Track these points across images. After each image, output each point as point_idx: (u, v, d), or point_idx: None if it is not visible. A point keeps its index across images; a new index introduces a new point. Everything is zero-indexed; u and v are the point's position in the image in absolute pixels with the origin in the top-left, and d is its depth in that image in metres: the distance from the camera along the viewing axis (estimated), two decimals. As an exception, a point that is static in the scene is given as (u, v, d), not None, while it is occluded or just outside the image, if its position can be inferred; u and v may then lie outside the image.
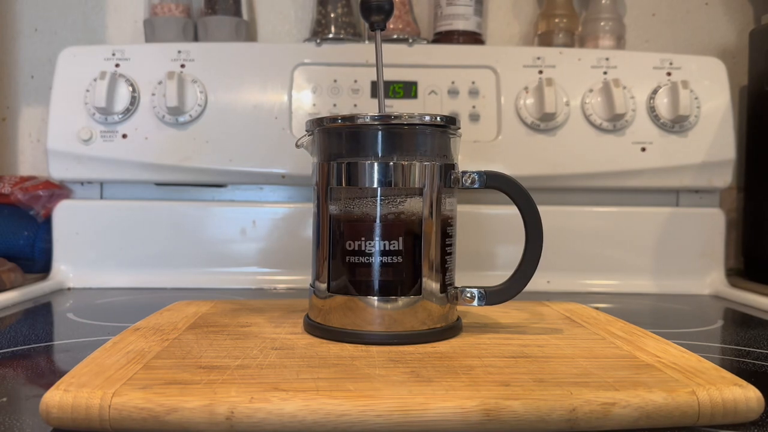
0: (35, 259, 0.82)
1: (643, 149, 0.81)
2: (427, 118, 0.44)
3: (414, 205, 0.44)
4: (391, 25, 0.84)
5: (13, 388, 0.40)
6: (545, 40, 0.90)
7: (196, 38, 0.88)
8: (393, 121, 0.43)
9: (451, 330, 0.45)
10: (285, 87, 0.82)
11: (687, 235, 0.83)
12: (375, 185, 0.43)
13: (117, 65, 0.81)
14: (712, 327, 0.63)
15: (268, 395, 0.32)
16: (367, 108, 0.80)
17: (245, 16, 0.89)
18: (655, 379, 0.36)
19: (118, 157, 0.80)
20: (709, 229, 0.83)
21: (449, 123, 0.45)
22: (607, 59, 0.83)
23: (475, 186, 0.44)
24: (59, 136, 0.80)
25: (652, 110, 0.81)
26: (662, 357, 0.40)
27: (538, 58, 0.83)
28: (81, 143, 0.80)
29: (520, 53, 0.84)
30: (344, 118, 0.44)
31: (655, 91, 0.81)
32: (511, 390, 0.33)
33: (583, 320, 0.51)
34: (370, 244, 0.43)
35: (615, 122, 0.81)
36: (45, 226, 0.83)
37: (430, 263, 0.44)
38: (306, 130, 0.47)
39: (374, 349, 0.41)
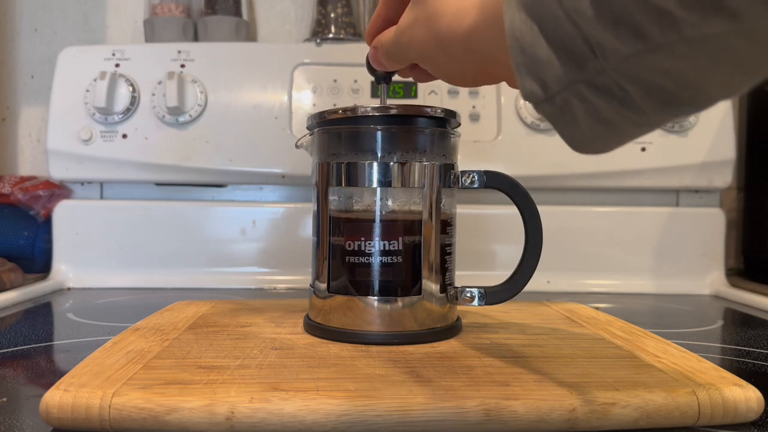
0: (35, 259, 0.82)
1: (643, 149, 0.81)
2: (428, 110, 0.44)
3: (413, 205, 0.44)
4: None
5: (13, 388, 0.40)
6: (545, 40, 0.90)
7: (196, 38, 0.88)
8: (393, 112, 0.43)
9: (451, 330, 0.45)
10: (285, 87, 0.82)
11: (687, 235, 0.83)
12: (374, 185, 0.43)
13: (117, 65, 0.81)
14: (712, 327, 0.63)
15: (268, 395, 0.32)
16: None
17: (245, 16, 0.89)
18: (655, 379, 0.36)
19: (118, 157, 0.80)
20: (709, 229, 0.83)
21: (449, 116, 0.44)
22: (607, 59, 0.83)
23: (475, 186, 0.44)
24: (59, 136, 0.80)
25: (652, 110, 0.81)
26: (662, 357, 0.40)
27: (538, 58, 0.83)
28: (81, 143, 0.80)
29: (520, 53, 0.83)
30: (345, 109, 0.44)
31: (655, 91, 0.81)
32: (511, 390, 0.33)
33: (583, 320, 0.51)
34: (369, 244, 0.43)
35: (615, 122, 0.80)
36: (45, 226, 0.83)
37: (430, 263, 0.44)
38: (307, 127, 0.47)
39: (374, 349, 0.41)
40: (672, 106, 0.24)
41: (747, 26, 0.20)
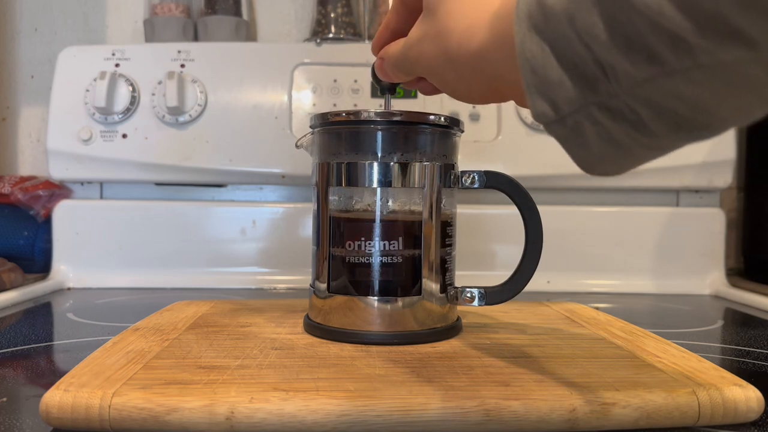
0: (35, 259, 0.82)
1: (643, 149, 0.81)
2: (431, 117, 0.43)
3: (414, 205, 0.44)
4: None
5: (13, 388, 0.40)
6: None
7: (196, 38, 0.88)
8: (397, 118, 0.43)
9: (451, 330, 0.45)
10: (285, 87, 0.82)
11: (687, 235, 0.83)
12: (375, 185, 0.43)
13: (117, 65, 0.81)
14: (712, 327, 0.63)
15: (268, 395, 0.32)
16: (367, 108, 0.80)
17: (245, 16, 0.89)
18: (655, 379, 0.36)
19: (118, 157, 0.80)
20: (709, 229, 0.83)
21: (453, 124, 0.44)
22: (607, 59, 0.83)
23: (475, 186, 0.44)
24: (59, 136, 0.80)
25: (652, 110, 0.81)
26: (662, 357, 0.40)
27: (538, 58, 0.83)
28: (81, 143, 0.80)
29: (520, 53, 0.83)
30: (348, 112, 0.44)
31: (655, 91, 0.81)
32: (511, 390, 0.33)
33: (583, 320, 0.51)
34: (369, 244, 0.43)
35: (615, 122, 0.80)
36: (45, 226, 0.83)
37: (430, 263, 0.44)
38: (310, 126, 0.47)
39: (374, 349, 0.41)
40: (685, 130, 0.24)
41: (764, 54, 0.20)
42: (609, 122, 0.25)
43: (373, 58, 0.43)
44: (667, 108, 0.23)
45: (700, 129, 0.24)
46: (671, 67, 0.21)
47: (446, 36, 0.33)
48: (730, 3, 0.19)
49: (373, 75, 0.44)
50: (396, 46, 0.39)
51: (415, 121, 0.43)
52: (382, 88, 0.45)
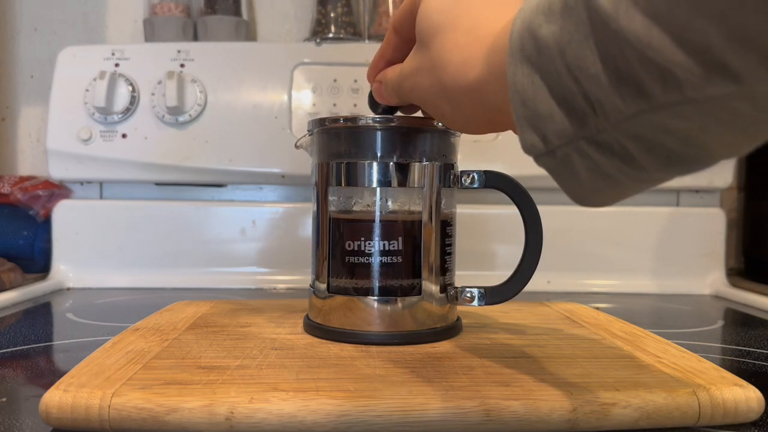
0: (35, 259, 0.82)
1: (643, 149, 0.81)
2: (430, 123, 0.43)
3: (413, 205, 0.44)
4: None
5: (13, 388, 0.40)
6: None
7: (195, 38, 0.88)
8: (394, 124, 0.43)
9: (451, 330, 0.45)
10: (285, 87, 0.82)
11: (687, 234, 0.83)
12: (374, 185, 0.43)
13: (117, 65, 0.81)
14: (713, 327, 0.63)
15: (267, 395, 0.32)
16: (367, 107, 0.80)
17: (245, 15, 0.89)
18: (656, 379, 0.36)
19: (117, 156, 0.80)
20: (709, 228, 0.83)
21: (450, 128, 0.44)
22: (607, 59, 0.83)
23: (475, 186, 0.44)
24: (59, 135, 0.80)
25: (652, 110, 0.81)
26: (662, 357, 0.40)
27: (538, 58, 0.83)
28: (80, 143, 0.80)
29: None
30: (346, 119, 0.44)
31: (655, 91, 0.81)
32: (511, 390, 0.33)
33: (583, 320, 0.51)
34: (369, 244, 0.43)
35: (615, 122, 0.80)
36: (45, 226, 0.83)
37: (430, 263, 0.44)
38: (307, 130, 0.47)
39: (374, 349, 0.41)
40: (675, 164, 0.24)
41: (750, 89, 0.20)
42: (598, 156, 0.25)
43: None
44: (655, 142, 0.23)
45: (690, 163, 0.24)
46: (659, 101, 0.21)
47: (441, 69, 0.32)
48: (718, 36, 0.19)
49: (370, 103, 0.44)
50: (394, 71, 0.39)
51: (413, 127, 0.43)
52: (381, 113, 0.44)
